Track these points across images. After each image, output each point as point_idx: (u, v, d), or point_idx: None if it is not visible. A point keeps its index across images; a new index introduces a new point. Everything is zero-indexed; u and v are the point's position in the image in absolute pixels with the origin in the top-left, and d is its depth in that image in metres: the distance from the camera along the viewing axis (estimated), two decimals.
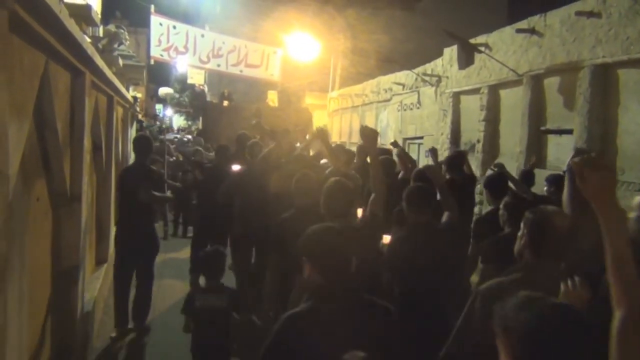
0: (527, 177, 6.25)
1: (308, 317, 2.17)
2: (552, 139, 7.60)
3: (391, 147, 7.30)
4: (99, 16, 8.03)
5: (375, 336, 1.95)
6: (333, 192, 3.41)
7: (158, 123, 37.92)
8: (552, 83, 7.50)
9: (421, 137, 11.71)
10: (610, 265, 1.63)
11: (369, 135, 3.78)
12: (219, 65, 17.05)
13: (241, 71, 17.42)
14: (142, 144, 6.17)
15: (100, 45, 8.11)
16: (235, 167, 6.41)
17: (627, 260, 1.61)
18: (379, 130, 14.68)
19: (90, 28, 7.87)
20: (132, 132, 13.38)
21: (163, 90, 27.55)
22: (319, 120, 20.29)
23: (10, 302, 2.58)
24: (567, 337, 1.36)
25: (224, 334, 4.03)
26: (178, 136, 20.66)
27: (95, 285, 5.82)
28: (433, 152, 6.79)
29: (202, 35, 16.73)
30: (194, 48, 16.23)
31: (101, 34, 9.02)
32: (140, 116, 18.29)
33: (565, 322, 1.39)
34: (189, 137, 16.99)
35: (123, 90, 8.37)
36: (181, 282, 7.18)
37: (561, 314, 1.41)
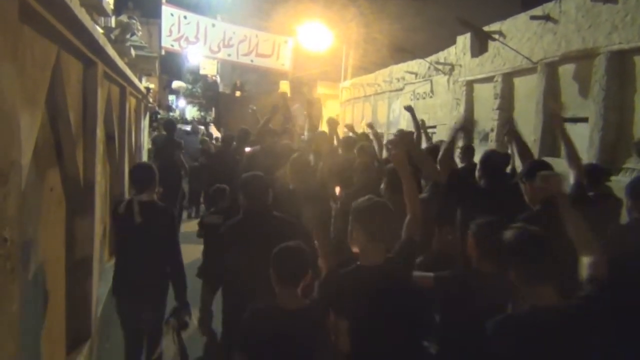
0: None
1: (237, 224, 3.48)
2: (567, 127, 7.50)
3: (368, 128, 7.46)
4: (111, 6, 8.04)
5: (281, 237, 2.82)
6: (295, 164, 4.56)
7: (172, 114, 38.25)
8: (567, 70, 7.40)
9: (434, 127, 11.63)
10: (405, 192, 3.06)
11: (331, 123, 6.19)
12: (229, 55, 17.07)
13: (252, 61, 17.42)
14: (171, 124, 9.77)
15: (112, 36, 8.13)
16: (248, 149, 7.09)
17: (413, 188, 3.10)
18: (391, 119, 14.61)
19: (102, 18, 7.88)
20: (145, 123, 13.43)
21: (177, 84, 27.66)
22: (330, 110, 20.23)
23: (25, 290, 2.61)
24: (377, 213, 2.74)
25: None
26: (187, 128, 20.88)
27: (110, 275, 5.86)
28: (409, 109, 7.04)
29: (213, 25, 16.75)
30: (204, 38, 16.26)
31: (113, 25, 9.04)
32: (156, 108, 18.60)
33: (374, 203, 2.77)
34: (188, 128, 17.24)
35: (135, 80, 8.39)
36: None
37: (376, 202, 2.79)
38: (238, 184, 3.62)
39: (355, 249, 2.75)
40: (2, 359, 1.91)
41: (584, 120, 6.94)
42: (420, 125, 6.83)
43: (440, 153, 4.24)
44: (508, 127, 4.72)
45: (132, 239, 4.01)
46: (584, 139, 6.89)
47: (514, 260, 2.28)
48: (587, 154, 6.75)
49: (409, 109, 7.09)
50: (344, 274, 2.70)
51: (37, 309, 3.28)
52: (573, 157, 3.95)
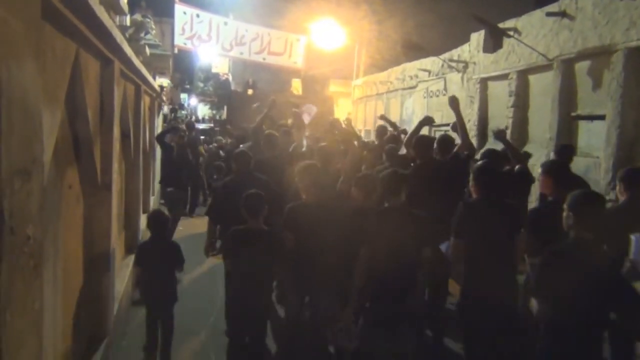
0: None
1: (231, 179, 5.35)
2: (583, 125, 7.44)
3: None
4: (127, 5, 8.07)
5: (257, 187, 4.38)
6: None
7: (185, 112, 38.54)
8: (583, 67, 7.32)
9: (447, 124, 11.54)
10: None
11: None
12: (241, 53, 17.09)
13: (264, 59, 17.42)
14: (192, 123, 13.28)
15: (127, 35, 8.16)
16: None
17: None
18: (404, 117, 14.55)
19: (118, 17, 7.92)
20: (159, 121, 13.49)
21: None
22: (342, 108, 20.18)
23: (45, 287, 2.62)
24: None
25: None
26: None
27: (126, 272, 5.90)
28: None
29: (225, 23, 16.77)
30: (217, 36, 16.28)
31: (128, 23, 9.08)
32: (166, 106, 19.07)
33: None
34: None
35: (150, 79, 8.42)
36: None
37: None
38: (232, 157, 5.67)
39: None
40: (25, 356, 1.92)
41: (601, 117, 6.86)
42: (397, 126, 8.76)
43: (406, 137, 6.25)
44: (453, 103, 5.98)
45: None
46: (601, 136, 6.82)
47: (381, 185, 3.98)
48: (604, 152, 6.67)
49: (382, 117, 8.88)
50: (292, 206, 4.33)
51: (56, 306, 3.30)
52: (463, 134, 5.71)
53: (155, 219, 4.82)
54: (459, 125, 5.79)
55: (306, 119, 9.24)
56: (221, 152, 12.50)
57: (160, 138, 9.38)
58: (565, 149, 6.07)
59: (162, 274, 4.68)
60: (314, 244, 4.10)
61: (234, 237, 4.19)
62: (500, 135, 6.21)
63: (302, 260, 4.19)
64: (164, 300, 4.73)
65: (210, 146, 14.86)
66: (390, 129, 8.31)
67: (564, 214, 3.07)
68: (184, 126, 12.04)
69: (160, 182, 9.75)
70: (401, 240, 3.65)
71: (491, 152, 5.90)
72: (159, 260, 4.65)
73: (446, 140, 5.65)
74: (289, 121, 8.55)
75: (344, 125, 8.21)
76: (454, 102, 5.87)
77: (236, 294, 4.33)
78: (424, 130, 7.30)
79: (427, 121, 6.61)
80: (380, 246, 3.68)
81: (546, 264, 3.02)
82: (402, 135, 7.82)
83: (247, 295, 4.14)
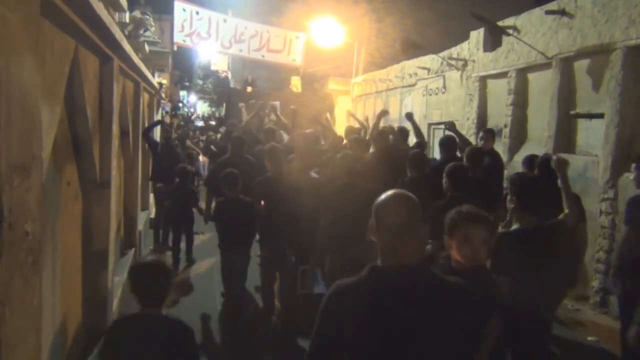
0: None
1: (226, 159, 6.45)
2: (582, 124, 7.44)
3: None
4: (126, 2, 8.06)
5: (247, 165, 6.13)
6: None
7: (186, 109, 38.67)
8: (582, 66, 7.32)
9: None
10: None
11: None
12: (241, 50, 17.06)
13: (263, 56, 17.39)
14: (188, 118, 14.12)
15: (126, 32, 8.15)
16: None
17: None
18: (403, 115, 14.53)
19: (117, 14, 7.91)
20: (158, 118, 13.48)
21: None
22: (342, 106, 20.17)
23: (44, 283, 2.63)
24: None
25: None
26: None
27: (125, 268, 5.90)
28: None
29: (225, 21, 16.74)
30: (216, 33, 16.25)
31: (127, 20, 9.07)
32: (167, 104, 19.44)
33: None
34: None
35: (149, 76, 8.42)
36: None
37: None
38: (229, 142, 6.83)
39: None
40: (24, 351, 1.92)
41: (600, 116, 6.87)
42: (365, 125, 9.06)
43: (369, 131, 7.48)
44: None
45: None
46: (599, 135, 6.82)
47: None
48: (602, 150, 6.68)
49: (384, 112, 8.86)
50: (260, 179, 5.24)
51: (55, 302, 3.31)
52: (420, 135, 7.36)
53: (182, 171, 7.50)
54: (416, 132, 7.44)
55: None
56: (212, 147, 12.56)
57: (145, 133, 9.24)
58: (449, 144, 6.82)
59: (184, 207, 7.47)
60: (279, 209, 5.07)
61: (218, 206, 5.51)
62: (449, 126, 7.40)
63: (271, 221, 5.21)
64: (185, 222, 7.60)
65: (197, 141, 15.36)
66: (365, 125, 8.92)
67: (443, 180, 4.29)
68: (167, 120, 12.14)
69: (151, 178, 9.67)
70: (352, 207, 4.45)
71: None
72: (183, 198, 7.40)
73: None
74: (271, 116, 9.44)
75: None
76: (409, 117, 7.63)
77: (224, 246, 5.36)
78: (424, 129, 7.50)
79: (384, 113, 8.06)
80: (337, 211, 4.62)
81: (435, 217, 3.86)
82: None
83: (231, 246, 5.30)
